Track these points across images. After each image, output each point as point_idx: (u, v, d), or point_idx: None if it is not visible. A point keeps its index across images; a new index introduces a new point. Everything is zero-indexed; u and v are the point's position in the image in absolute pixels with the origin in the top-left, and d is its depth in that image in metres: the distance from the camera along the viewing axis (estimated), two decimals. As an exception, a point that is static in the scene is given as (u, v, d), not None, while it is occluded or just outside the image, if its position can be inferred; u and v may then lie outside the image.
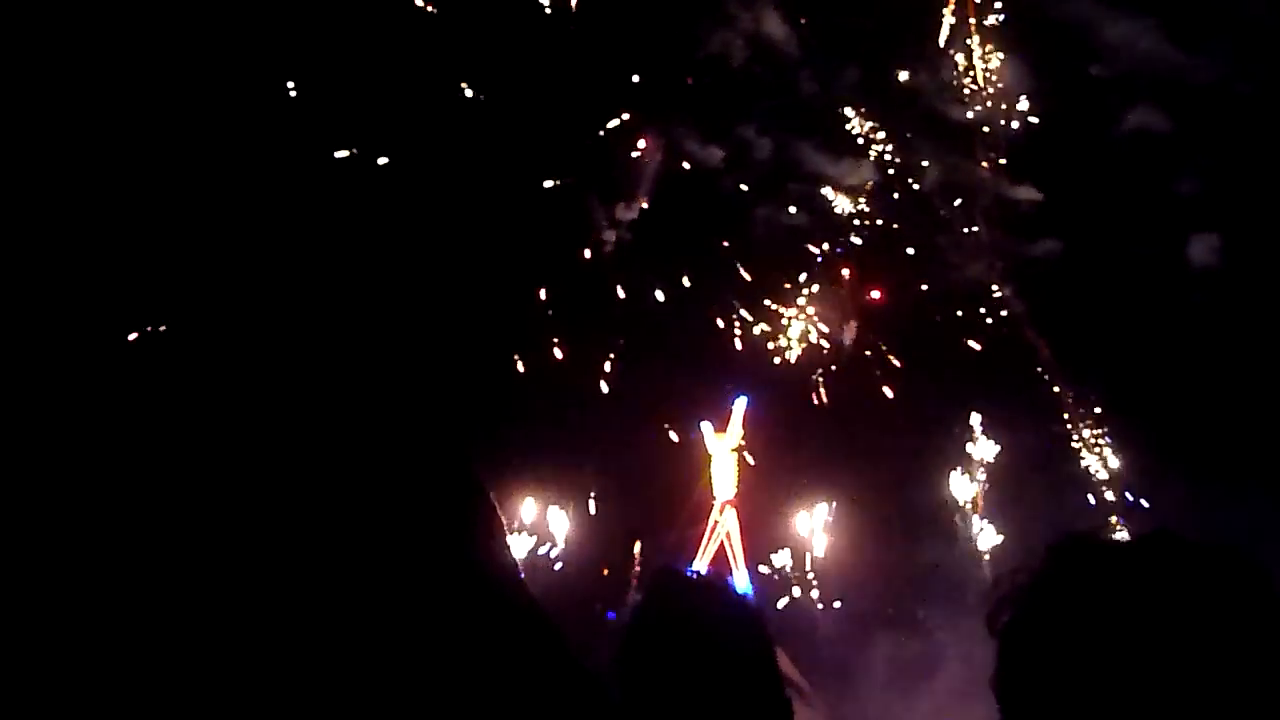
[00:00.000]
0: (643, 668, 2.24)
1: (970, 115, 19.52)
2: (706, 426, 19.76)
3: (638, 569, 18.68)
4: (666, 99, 18.97)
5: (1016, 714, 1.65)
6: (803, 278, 19.92)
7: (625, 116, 18.74)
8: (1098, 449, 19.04)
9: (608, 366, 19.35)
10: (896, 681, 17.27)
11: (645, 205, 19.23)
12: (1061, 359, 19.00)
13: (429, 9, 17.34)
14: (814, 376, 19.86)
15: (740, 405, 19.79)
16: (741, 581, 18.69)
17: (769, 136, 19.37)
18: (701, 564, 18.87)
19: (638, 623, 2.35)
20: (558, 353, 19.16)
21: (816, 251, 19.80)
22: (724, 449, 19.68)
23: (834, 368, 19.82)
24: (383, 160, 17.19)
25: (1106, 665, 1.57)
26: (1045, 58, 18.85)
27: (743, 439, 19.76)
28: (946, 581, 18.22)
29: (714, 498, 19.70)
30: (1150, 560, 1.61)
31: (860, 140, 19.53)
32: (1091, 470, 19.12)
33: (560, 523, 18.94)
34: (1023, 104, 19.19)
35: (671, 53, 18.76)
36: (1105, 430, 18.95)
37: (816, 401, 19.90)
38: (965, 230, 19.28)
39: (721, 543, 19.48)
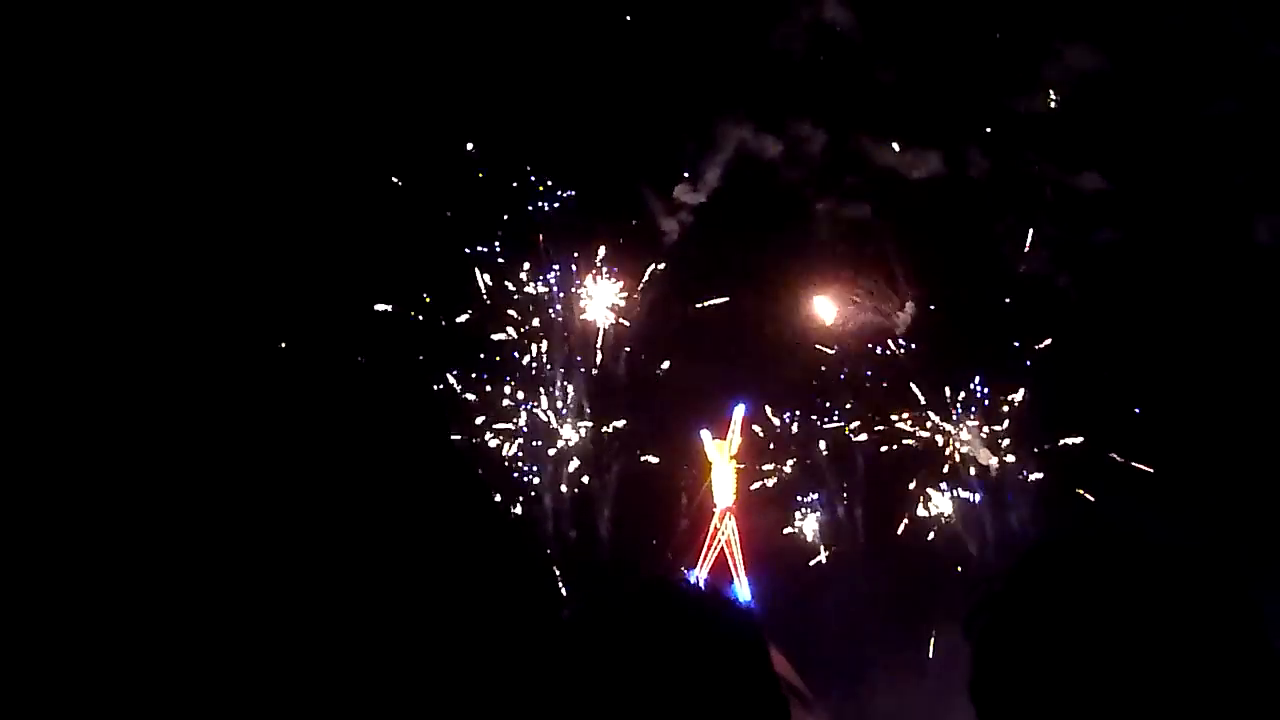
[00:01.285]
0: (629, 676, 2.27)
1: (1041, 103, 19.11)
2: (706, 434, 19.84)
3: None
4: (727, 89, 18.92)
5: (992, 716, 1.69)
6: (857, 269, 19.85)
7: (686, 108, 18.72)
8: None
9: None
10: (907, 683, 17.23)
11: (704, 197, 19.33)
12: (1122, 347, 18.72)
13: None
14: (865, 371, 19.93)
15: (739, 413, 19.84)
16: (742, 588, 18.73)
17: (828, 128, 19.19)
18: (702, 572, 18.91)
19: (627, 631, 2.38)
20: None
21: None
22: (723, 456, 19.74)
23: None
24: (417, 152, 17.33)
25: (1077, 668, 1.61)
26: (1115, 44, 18.41)
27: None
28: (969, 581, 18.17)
29: (714, 505, 19.74)
30: (1116, 563, 1.65)
31: (924, 131, 19.17)
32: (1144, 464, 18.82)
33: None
34: (1092, 92, 18.67)
35: (733, 42, 18.68)
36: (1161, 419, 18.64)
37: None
38: (1028, 219, 19.04)
39: (722, 550, 19.51)
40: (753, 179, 19.27)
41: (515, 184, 19.25)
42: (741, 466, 19.79)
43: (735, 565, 19.40)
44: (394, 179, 17.49)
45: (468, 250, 19.10)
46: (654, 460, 19.72)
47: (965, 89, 18.74)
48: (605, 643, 2.25)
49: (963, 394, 19.77)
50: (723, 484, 19.79)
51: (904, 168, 19.13)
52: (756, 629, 2.43)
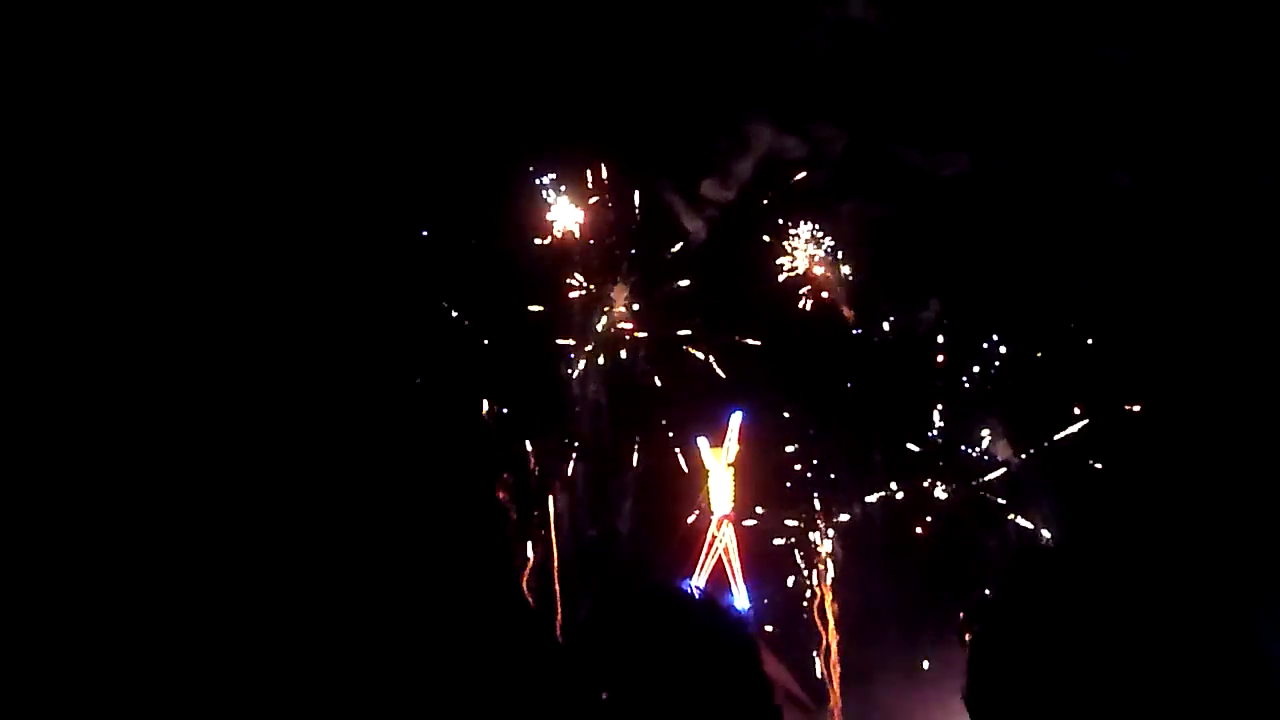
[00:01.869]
0: (627, 679, 2.30)
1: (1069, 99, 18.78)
2: (703, 441, 19.87)
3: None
4: (751, 88, 18.84)
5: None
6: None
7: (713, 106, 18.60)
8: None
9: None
10: (917, 688, 17.18)
11: (731, 195, 19.28)
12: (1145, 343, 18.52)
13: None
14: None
15: (736, 420, 19.86)
16: (740, 596, 18.74)
17: (852, 126, 19.04)
18: (700, 579, 18.93)
19: (625, 636, 2.41)
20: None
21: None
22: (720, 464, 19.77)
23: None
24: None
25: (1068, 674, 1.62)
26: (1147, 39, 17.98)
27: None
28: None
29: (711, 513, 19.77)
30: (1106, 570, 1.66)
31: (951, 130, 18.81)
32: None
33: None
34: (1119, 88, 18.13)
35: (756, 42, 18.61)
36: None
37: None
38: (1053, 217, 18.83)
39: (720, 558, 19.54)
40: (776, 178, 19.28)
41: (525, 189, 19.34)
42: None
43: (733, 573, 19.41)
44: (411, 180, 17.56)
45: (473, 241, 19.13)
46: (675, 458, 19.83)
47: (992, 86, 18.55)
48: (606, 649, 2.28)
49: (981, 392, 19.69)
50: (720, 492, 19.82)
51: (929, 166, 18.99)
52: (749, 636, 2.47)
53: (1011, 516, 19.23)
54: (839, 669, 18.35)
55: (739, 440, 19.76)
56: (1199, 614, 1.70)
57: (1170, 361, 18.01)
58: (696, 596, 2.79)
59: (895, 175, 19.11)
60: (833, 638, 18.68)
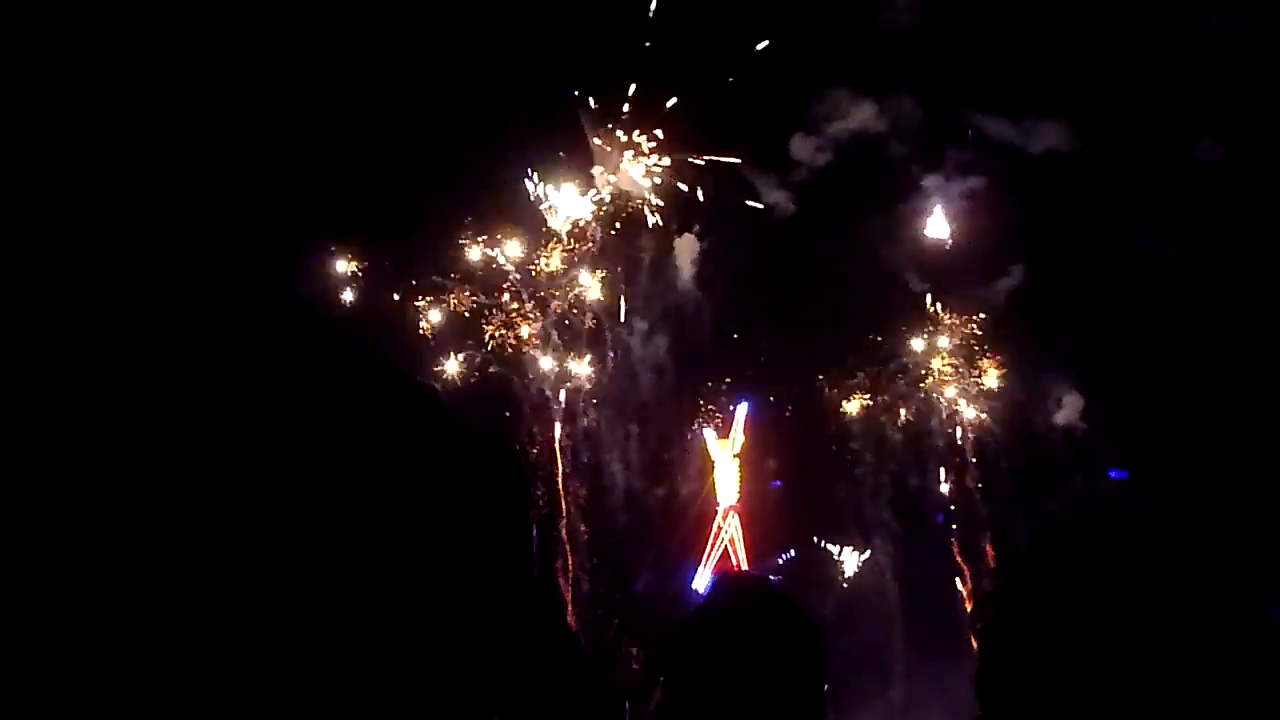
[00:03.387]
0: (696, 665, 2.34)
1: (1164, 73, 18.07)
2: (709, 433, 19.84)
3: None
4: (834, 62, 18.64)
5: (995, 709, 1.72)
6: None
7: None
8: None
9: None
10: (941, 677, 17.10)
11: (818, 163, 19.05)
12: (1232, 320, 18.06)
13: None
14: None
15: (742, 410, 19.82)
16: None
17: (936, 99, 18.73)
18: (705, 570, 18.96)
19: (697, 622, 2.45)
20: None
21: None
22: (726, 455, 19.74)
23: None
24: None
25: (1076, 659, 1.64)
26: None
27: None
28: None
29: (718, 504, 19.76)
30: (1114, 556, 1.67)
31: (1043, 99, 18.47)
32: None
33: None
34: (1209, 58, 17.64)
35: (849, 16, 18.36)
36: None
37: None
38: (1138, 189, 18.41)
39: (725, 548, 19.55)
40: (858, 153, 19.07)
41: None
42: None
43: (738, 563, 19.42)
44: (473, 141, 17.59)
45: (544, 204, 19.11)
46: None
47: (1080, 59, 18.14)
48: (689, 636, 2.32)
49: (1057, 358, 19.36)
50: (726, 482, 19.80)
51: (1020, 139, 18.60)
52: (819, 635, 2.51)
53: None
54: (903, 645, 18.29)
55: (745, 431, 19.73)
56: (1211, 607, 1.70)
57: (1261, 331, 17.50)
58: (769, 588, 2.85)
59: (981, 147, 18.79)
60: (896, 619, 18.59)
